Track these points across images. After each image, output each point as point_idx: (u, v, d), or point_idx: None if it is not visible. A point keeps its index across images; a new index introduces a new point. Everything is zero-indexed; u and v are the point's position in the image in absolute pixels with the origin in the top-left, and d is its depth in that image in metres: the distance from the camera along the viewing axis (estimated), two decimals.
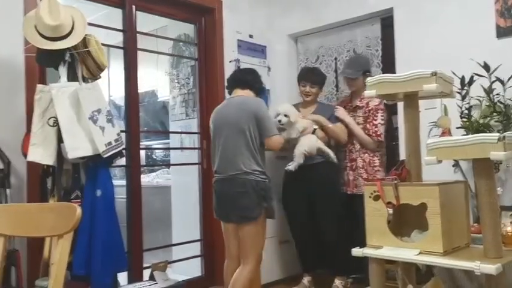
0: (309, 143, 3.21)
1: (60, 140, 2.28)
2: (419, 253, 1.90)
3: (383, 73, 3.09)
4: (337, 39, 3.80)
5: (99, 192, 2.41)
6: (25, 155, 2.31)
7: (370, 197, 2.07)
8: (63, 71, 2.32)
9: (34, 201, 2.39)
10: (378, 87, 2.11)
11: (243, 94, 2.85)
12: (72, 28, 2.28)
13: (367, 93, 2.14)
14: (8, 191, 2.31)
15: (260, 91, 2.98)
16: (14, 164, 2.39)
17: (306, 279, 3.47)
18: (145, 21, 3.38)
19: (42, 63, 2.44)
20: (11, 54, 2.47)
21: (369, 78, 2.18)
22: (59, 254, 1.78)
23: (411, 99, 2.10)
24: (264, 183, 2.69)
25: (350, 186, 3.33)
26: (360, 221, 2.18)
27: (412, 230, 2.03)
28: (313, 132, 3.26)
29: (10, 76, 2.48)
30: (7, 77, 2.47)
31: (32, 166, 2.43)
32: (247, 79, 2.91)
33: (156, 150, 5.62)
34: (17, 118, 2.47)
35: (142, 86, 3.41)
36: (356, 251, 2.05)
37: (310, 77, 3.45)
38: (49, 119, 2.28)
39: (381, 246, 2.01)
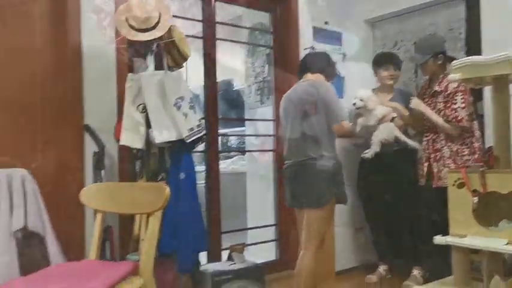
0: (387, 131, 3.14)
1: (148, 125, 2.42)
2: (508, 243, 1.82)
3: (467, 56, 2.93)
4: (417, 23, 3.66)
5: (182, 175, 2.54)
6: (117, 140, 2.49)
7: (453, 184, 2.01)
8: (150, 60, 2.46)
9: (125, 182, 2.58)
10: (463, 71, 2.02)
11: (313, 78, 2.75)
12: (159, 20, 2.41)
13: (451, 77, 2.06)
14: (102, 172, 2.50)
15: (332, 76, 2.86)
16: (107, 148, 2.57)
17: (381, 268, 3.44)
18: (220, 11, 3.46)
19: (133, 54, 2.60)
20: (103, 46, 2.65)
21: (453, 62, 2.09)
22: (149, 230, 1.92)
23: (501, 83, 2.00)
24: (333, 168, 2.61)
25: (433, 179, 3.06)
26: (440, 214, 2.11)
27: (500, 219, 1.94)
28: (392, 120, 3.18)
29: (103, 66, 2.67)
30: (100, 67, 2.66)
31: (123, 149, 2.61)
32: (318, 63, 2.80)
33: (231, 138, 5.79)
34: (109, 105, 2.66)
35: (219, 75, 3.50)
36: (439, 239, 2.00)
37: (394, 59, 3.41)
38: (138, 105, 2.43)
39: (465, 235, 1.95)
